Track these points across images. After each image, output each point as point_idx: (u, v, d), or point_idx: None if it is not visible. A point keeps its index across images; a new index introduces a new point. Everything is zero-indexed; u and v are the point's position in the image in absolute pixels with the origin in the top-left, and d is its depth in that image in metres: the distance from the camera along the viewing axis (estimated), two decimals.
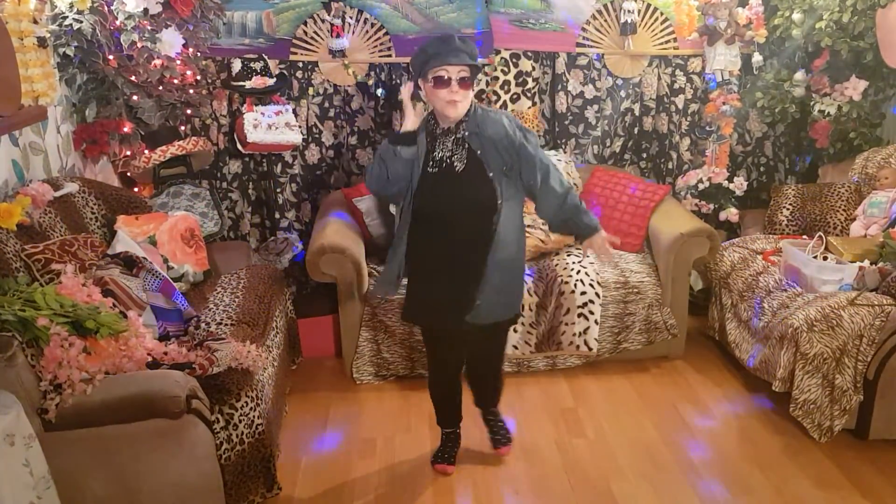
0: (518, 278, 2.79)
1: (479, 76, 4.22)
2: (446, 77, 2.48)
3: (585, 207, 2.72)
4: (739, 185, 4.28)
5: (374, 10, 4.08)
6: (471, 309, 2.64)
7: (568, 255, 3.75)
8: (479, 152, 2.56)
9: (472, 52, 2.52)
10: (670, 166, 4.51)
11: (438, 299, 2.68)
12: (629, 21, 4.17)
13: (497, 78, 4.24)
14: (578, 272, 3.59)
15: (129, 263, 2.81)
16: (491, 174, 2.56)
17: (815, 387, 3.00)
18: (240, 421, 2.37)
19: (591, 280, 3.59)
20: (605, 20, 4.24)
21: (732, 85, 4.20)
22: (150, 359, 2.36)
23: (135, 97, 3.44)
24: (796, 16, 3.99)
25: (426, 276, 2.70)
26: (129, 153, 3.52)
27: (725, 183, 4.27)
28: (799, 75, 4.13)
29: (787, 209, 4.01)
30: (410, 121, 2.60)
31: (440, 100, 2.51)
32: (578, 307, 3.56)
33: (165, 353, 2.43)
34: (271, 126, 3.90)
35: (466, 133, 2.57)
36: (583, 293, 3.56)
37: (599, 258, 2.77)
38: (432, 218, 2.61)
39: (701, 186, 4.27)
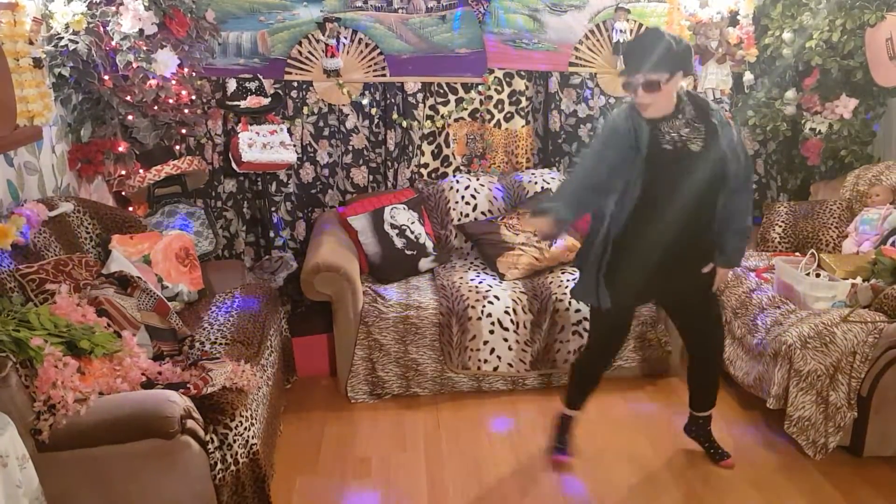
0: None
1: (477, 95, 4.26)
2: (631, 84, 2.57)
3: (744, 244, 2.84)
4: None
5: (369, 30, 4.12)
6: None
7: (562, 273, 3.76)
8: (717, 135, 2.61)
9: (661, 56, 2.51)
10: None
11: (661, 277, 2.70)
12: (621, 40, 4.21)
13: (491, 97, 4.27)
14: None
15: (124, 283, 2.81)
16: (728, 155, 2.62)
17: (809, 404, 3.00)
18: (234, 441, 2.36)
19: None
20: (598, 40, 4.28)
21: (724, 103, 4.24)
22: (144, 379, 2.36)
23: (130, 117, 3.45)
24: (787, 35, 4.04)
25: (645, 257, 2.65)
26: (123, 173, 3.53)
27: None
28: (790, 94, 4.18)
29: (780, 226, 4.03)
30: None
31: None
32: (573, 325, 3.57)
33: (160, 373, 2.43)
34: (266, 145, 3.92)
35: (711, 117, 2.64)
36: (577, 310, 3.56)
37: (717, 286, 2.90)
38: (659, 198, 2.61)
39: None
